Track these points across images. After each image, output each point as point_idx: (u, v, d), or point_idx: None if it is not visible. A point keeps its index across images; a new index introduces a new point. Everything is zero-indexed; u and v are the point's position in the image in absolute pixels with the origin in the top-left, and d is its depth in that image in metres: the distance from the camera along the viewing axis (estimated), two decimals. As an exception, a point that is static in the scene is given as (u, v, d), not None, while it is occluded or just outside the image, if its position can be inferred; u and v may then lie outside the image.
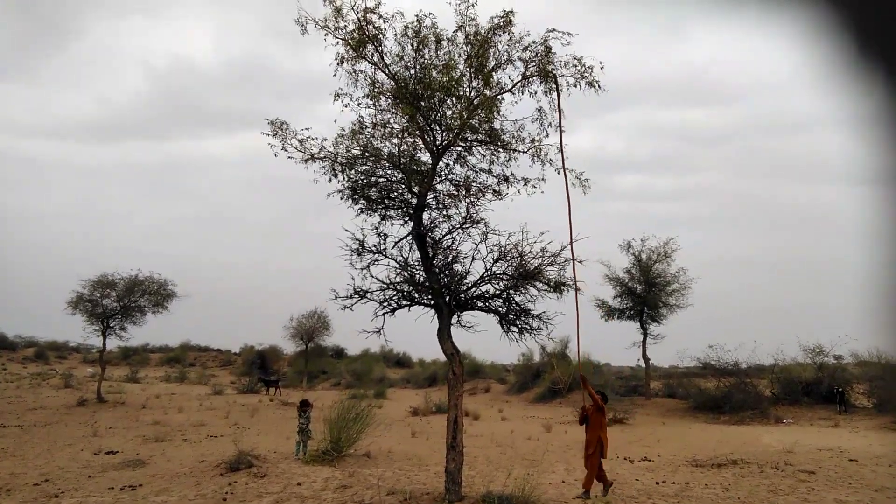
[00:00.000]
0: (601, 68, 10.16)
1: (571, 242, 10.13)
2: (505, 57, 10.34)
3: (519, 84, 10.53)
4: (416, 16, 9.93)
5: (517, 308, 10.67)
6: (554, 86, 9.91)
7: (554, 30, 10.15)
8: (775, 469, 13.87)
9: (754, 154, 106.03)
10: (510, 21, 10.12)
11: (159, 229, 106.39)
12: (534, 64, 10.37)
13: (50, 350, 52.78)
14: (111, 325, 27.77)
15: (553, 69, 9.83)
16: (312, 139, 10.33)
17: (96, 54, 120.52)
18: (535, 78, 10.52)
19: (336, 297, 10.67)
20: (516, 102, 10.72)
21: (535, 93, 10.61)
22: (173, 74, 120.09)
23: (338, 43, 10.40)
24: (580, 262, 10.11)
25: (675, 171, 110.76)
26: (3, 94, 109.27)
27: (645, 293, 29.71)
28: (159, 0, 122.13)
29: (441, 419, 18.74)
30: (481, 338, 11.00)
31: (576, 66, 10.23)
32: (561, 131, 9.98)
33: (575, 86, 10.33)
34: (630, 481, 13.10)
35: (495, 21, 10.12)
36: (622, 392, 28.20)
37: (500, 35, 10.19)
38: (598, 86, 10.27)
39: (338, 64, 10.53)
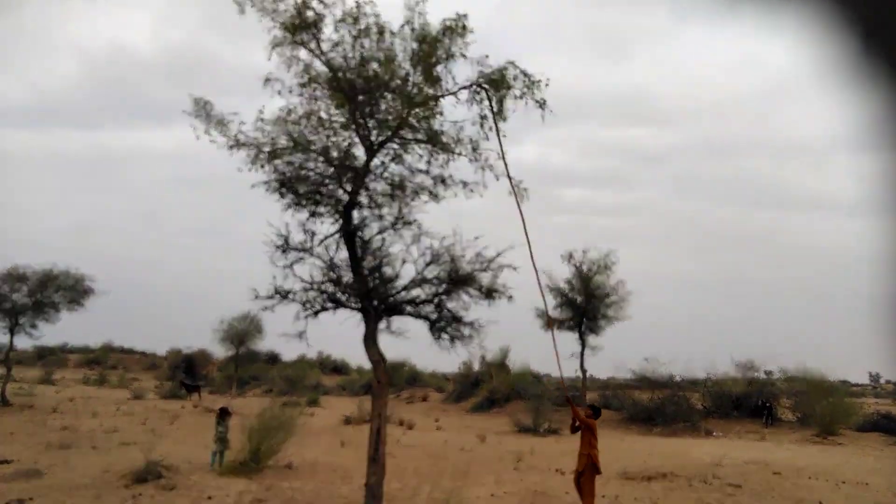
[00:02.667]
0: (546, 85, 9.84)
1: (531, 251, 9.81)
2: (456, 51, 9.90)
3: (464, 89, 10.10)
4: (357, 2, 9.40)
5: (449, 315, 10.22)
6: (485, 95, 9.54)
7: (512, 62, 9.75)
8: (703, 482, 13.90)
9: (692, 174, 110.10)
10: (464, 26, 9.70)
11: (87, 223, 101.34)
12: (482, 78, 9.95)
13: (-44, 348, 49.02)
14: (20, 321, 25.78)
15: (481, 81, 9.45)
16: (236, 122, 9.61)
17: (25, 34, 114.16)
18: (482, 88, 10.09)
19: (256, 297, 9.98)
20: (457, 104, 10.32)
21: (481, 101, 10.22)
22: (109, 61, 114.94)
23: (275, 27, 9.78)
24: (514, 268, 9.77)
25: (617, 188, 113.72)
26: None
27: (584, 304, 29.85)
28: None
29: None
30: (422, 346, 10.48)
31: (524, 81, 9.87)
32: (499, 137, 9.62)
33: (521, 97, 9.97)
34: (560, 494, 12.87)
35: (447, 24, 9.69)
36: (558, 402, 28.13)
37: (451, 38, 9.77)
38: (544, 105, 9.91)
39: (272, 48, 9.90)
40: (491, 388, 32.01)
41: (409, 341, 10.56)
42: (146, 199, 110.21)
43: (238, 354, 45.53)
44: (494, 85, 9.76)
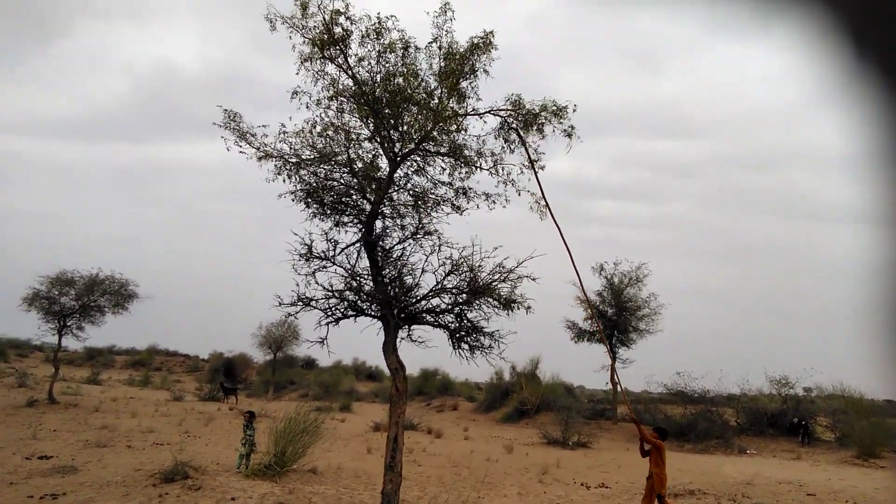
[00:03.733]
0: (573, 110, 9.88)
1: (580, 281, 9.85)
2: (480, 67, 10.06)
3: (490, 112, 10.22)
4: (378, 17, 9.64)
5: (468, 325, 10.32)
6: (517, 137, 9.68)
7: (555, 103, 9.83)
8: (732, 501, 13.61)
9: (725, 187, 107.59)
10: (490, 42, 9.86)
11: (136, 231, 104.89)
12: (515, 122, 10.06)
13: (10, 348, 51.28)
14: (68, 323, 26.85)
15: (513, 122, 9.59)
16: (265, 134, 9.94)
17: (80, 55, 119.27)
18: (513, 129, 10.19)
19: (280, 304, 10.25)
20: (484, 121, 10.45)
21: (508, 138, 10.32)
22: (156, 78, 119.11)
23: (304, 42, 10.11)
24: (533, 279, 9.82)
25: (649, 200, 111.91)
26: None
27: (615, 317, 29.53)
28: (145, 5, 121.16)
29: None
30: (454, 353, 10.59)
31: (554, 111, 9.90)
32: (535, 171, 9.72)
33: (548, 123, 10.01)
34: (582, 509, 12.74)
35: (475, 41, 9.86)
36: (588, 415, 27.85)
37: (477, 55, 9.93)
38: (573, 134, 9.95)
39: (301, 63, 10.23)
40: (521, 399, 31.84)
41: (441, 349, 10.69)
42: (193, 209, 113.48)
43: (275, 359, 46.58)
44: (527, 122, 9.88)
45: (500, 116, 10.04)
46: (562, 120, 9.72)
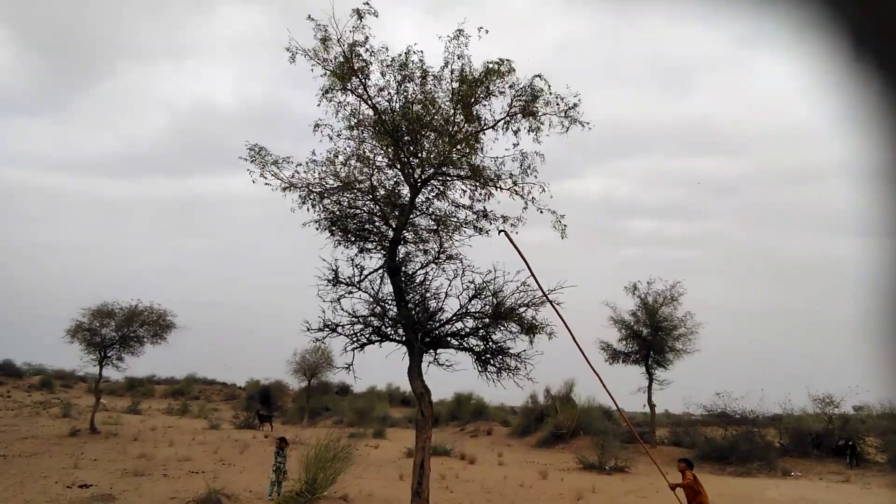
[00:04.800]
0: (578, 102, 10.04)
1: (578, 349, 9.75)
2: (495, 90, 10.26)
3: (503, 120, 10.42)
4: (407, 49, 9.88)
5: (494, 347, 10.31)
6: (508, 240, 9.72)
7: (539, 76, 10.11)
8: (774, 526, 13.12)
9: (762, 204, 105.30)
10: (510, 70, 10.05)
11: (177, 262, 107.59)
12: (520, 102, 10.27)
13: (56, 379, 52.74)
14: (108, 354, 27.57)
15: (513, 243, 9.64)
16: (288, 164, 10.20)
17: (121, 95, 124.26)
18: (518, 115, 10.40)
19: (308, 330, 10.42)
20: (497, 139, 10.60)
21: (518, 131, 10.48)
22: (194, 114, 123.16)
23: (325, 74, 10.40)
24: (559, 303, 9.76)
25: (685, 219, 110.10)
26: (29, 129, 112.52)
27: (651, 336, 28.98)
28: (184, 45, 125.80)
29: (433, 462, 18.10)
30: (481, 376, 10.60)
31: (558, 104, 10.13)
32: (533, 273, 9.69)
33: (561, 126, 10.22)
34: (616, 535, 12.42)
35: (490, 66, 10.05)
36: (625, 438, 27.20)
37: (493, 79, 10.12)
38: (584, 123, 10.16)
39: (323, 94, 10.52)
40: (556, 423, 31.34)
41: (474, 373, 10.67)
42: (232, 239, 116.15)
43: (310, 385, 46.84)
44: (530, 112, 10.00)
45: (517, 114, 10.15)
46: (573, 116, 9.83)
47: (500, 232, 9.83)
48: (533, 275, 9.36)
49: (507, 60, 10.00)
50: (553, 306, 9.39)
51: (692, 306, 29.95)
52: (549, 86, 9.81)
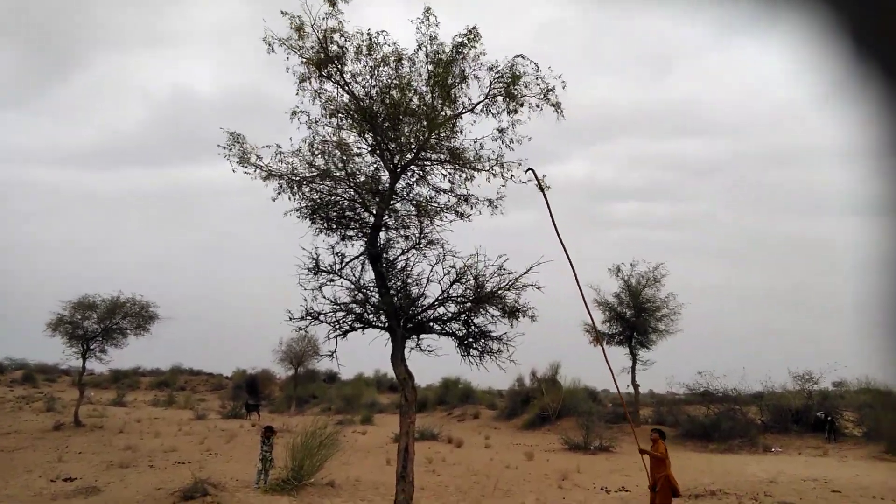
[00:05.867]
0: (563, 87, 10.03)
1: (576, 277, 9.85)
2: (470, 73, 10.20)
3: (482, 103, 10.38)
4: (369, 34, 9.78)
5: (476, 331, 10.35)
6: (538, 187, 9.76)
7: (522, 55, 10.05)
8: (753, 500, 13.41)
9: (745, 184, 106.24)
10: (475, 37, 9.99)
11: (162, 254, 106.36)
12: (500, 84, 10.22)
13: (39, 373, 52.24)
14: (91, 347, 27.34)
15: (539, 181, 9.68)
16: (259, 157, 10.09)
17: (98, 85, 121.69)
18: (498, 98, 10.37)
19: (290, 319, 10.39)
20: (475, 122, 10.56)
21: (499, 112, 10.45)
22: (174, 104, 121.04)
23: (302, 62, 10.28)
24: (538, 287, 9.82)
25: (669, 201, 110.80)
26: (4, 122, 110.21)
27: (634, 318, 29.29)
28: (162, 35, 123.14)
29: (421, 446, 18.26)
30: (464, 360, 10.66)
31: (538, 85, 10.12)
32: (556, 226, 9.78)
33: (538, 107, 10.20)
34: (601, 513, 12.65)
35: (458, 39, 9.99)
36: (609, 419, 27.58)
37: (463, 52, 10.05)
38: (560, 109, 10.11)
39: (299, 82, 10.40)
40: (542, 405, 31.65)
41: (460, 357, 10.73)
42: (216, 230, 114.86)
43: (297, 374, 46.83)
44: (510, 94, 9.98)
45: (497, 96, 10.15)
46: (552, 100, 9.83)
47: (527, 171, 9.88)
48: (554, 223, 9.68)
49: (474, 29, 9.90)
50: (565, 251, 9.64)
51: (675, 287, 30.23)
52: (536, 64, 9.72)
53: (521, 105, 10.20)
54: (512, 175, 10.34)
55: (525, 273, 9.93)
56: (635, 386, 30.00)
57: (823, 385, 26.43)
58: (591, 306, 30.13)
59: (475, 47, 9.99)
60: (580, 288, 10.23)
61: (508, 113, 10.35)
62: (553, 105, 10.04)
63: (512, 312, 9.70)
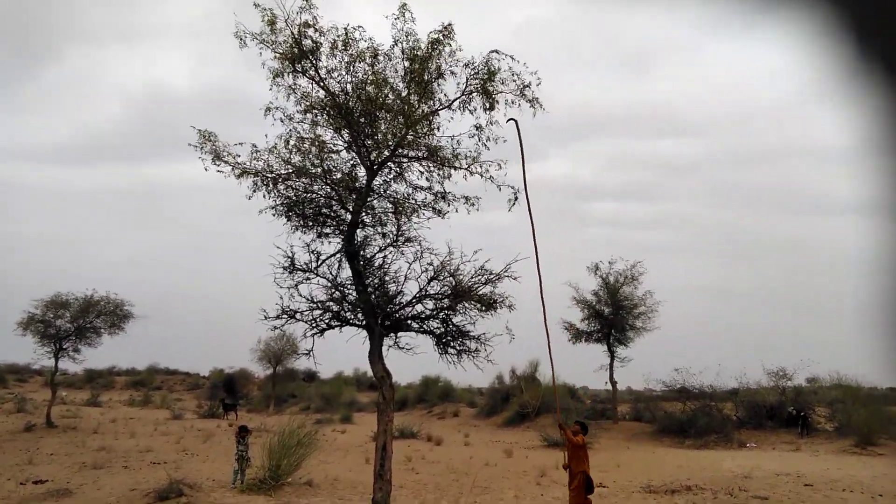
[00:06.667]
0: (538, 84, 10.05)
1: (539, 273, 9.83)
2: (447, 69, 10.16)
3: (459, 99, 10.35)
4: (345, 28, 9.70)
5: (454, 329, 10.34)
6: (516, 129, 9.75)
7: (496, 51, 10.03)
8: (729, 495, 13.58)
9: (722, 184, 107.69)
10: (450, 34, 9.95)
11: (139, 252, 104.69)
12: (476, 81, 10.20)
13: (9, 373, 51.16)
14: (64, 346, 26.84)
15: (519, 134, 9.71)
16: (237, 154, 9.97)
17: (72, 80, 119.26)
18: (474, 94, 10.35)
19: (266, 318, 10.29)
20: (452, 118, 10.53)
21: (475, 109, 10.44)
22: (150, 100, 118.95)
23: (275, 57, 10.16)
24: (514, 278, 9.84)
25: (647, 200, 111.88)
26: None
27: (612, 315, 29.51)
28: (137, 30, 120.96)
29: (400, 444, 18.21)
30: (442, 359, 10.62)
31: (514, 81, 10.10)
32: (524, 171, 9.79)
33: (514, 103, 10.20)
34: (578, 509, 12.68)
35: (434, 36, 9.95)
36: (589, 415, 27.77)
37: (439, 49, 10.01)
38: (539, 104, 10.14)
39: (273, 78, 10.27)
40: (521, 403, 31.77)
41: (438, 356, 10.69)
42: (194, 228, 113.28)
43: (276, 373, 46.46)
44: (486, 91, 9.98)
45: (473, 93, 10.14)
46: (528, 96, 9.84)
47: (508, 120, 9.84)
48: (526, 189, 9.73)
49: (449, 25, 9.87)
50: (532, 226, 9.65)
51: (653, 286, 30.55)
52: (511, 56, 9.71)
53: (497, 102, 10.19)
54: (491, 177, 10.34)
55: (506, 268, 9.94)
56: (613, 383, 30.25)
57: (797, 381, 26.91)
58: (571, 304, 30.44)
59: (450, 44, 9.97)
60: (538, 267, 10.06)
61: (485, 110, 10.34)
62: (529, 101, 10.03)
63: (489, 305, 9.71)
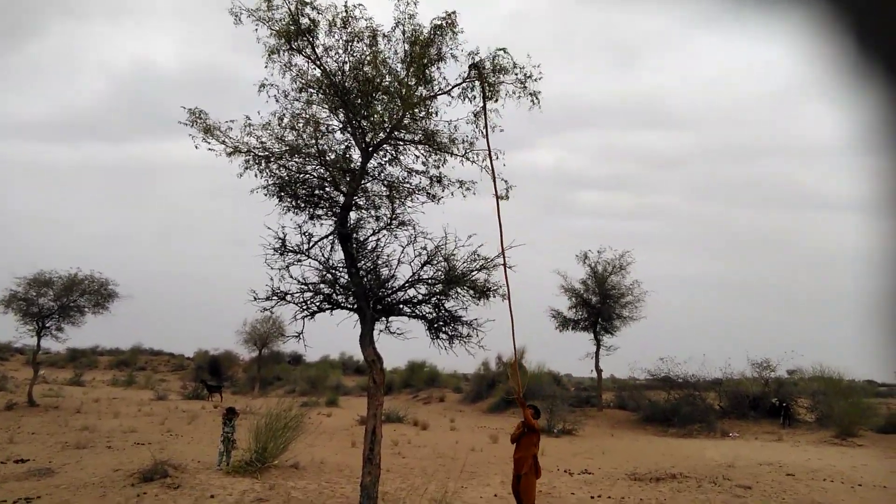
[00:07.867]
0: (539, 77, 9.87)
1: (502, 245, 9.76)
2: (447, 52, 9.98)
3: (458, 86, 10.19)
4: (345, 5, 9.49)
5: (447, 314, 10.26)
6: (477, 77, 9.54)
7: (503, 49, 9.83)
8: (713, 483, 13.71)
9: (708, 177, 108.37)
10: (453, 22, 9.77)
11: (123, 231, 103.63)
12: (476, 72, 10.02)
13: (-10, 351, 50.60)
14: (47, 325, 26.48)
15: (479, 61, 9.46)
16: (230, 128, 9.76)
17: (56, 56, 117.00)
18: (475, 82, 10.18)
19: (255, 299, 10.13)
20: (450, 103, 10.38)
21: (475, 98, 10.28)
22: (135, 78, 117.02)
23: (271, 34, 9.93)
24: (510, 267, 9.76)
25: (634, 191, 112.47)
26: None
27: (599, 304, 29.65)
28: (122, 5, 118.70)
29: (387, 429, 18.16)
30: (433, 344, 10.53)
31: (515, 73, 9.91)
32: (488, 130, 9.64)
33: (514, 94, 10.03)
34: (566, 495, 12.82)
35: (436, 22, 9.76)
36: (573, 403, 27.98)
37: (441, 37, 9.83)
38: (538, 99, 9.95)
39: (269, 55, 10.05)
40: (507, 389, 31.90)
41: (426, 341, 10.59)
42: (179, 207, 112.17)
43: (261, 355, 46.30)
44: (481, 77, 9.82)
45: (468, 76, 9.95)
46: (525, 86, 9.67)
47: (471, 67, 9.63)
48: (487, 132, 9.53)
49: (453, 13, 9.70)
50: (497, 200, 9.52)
51: (641, 276, 30.75)
52: (511, 58, 9.57)
53: (498, 92, 10.04)
54: (484, 168, 10.20)
55: (499, 255, 9.85)
56: (598, 371, 30.49)
57: (780, 373, 27.28)
58: (558, 293, 30.55)
59: (452, 32, 9.79)
60: (502, 238, 9.81)
61: (485, 100, 10.18)
62: (530, 95, 9.88)
63: (483, 293, 9.64)
